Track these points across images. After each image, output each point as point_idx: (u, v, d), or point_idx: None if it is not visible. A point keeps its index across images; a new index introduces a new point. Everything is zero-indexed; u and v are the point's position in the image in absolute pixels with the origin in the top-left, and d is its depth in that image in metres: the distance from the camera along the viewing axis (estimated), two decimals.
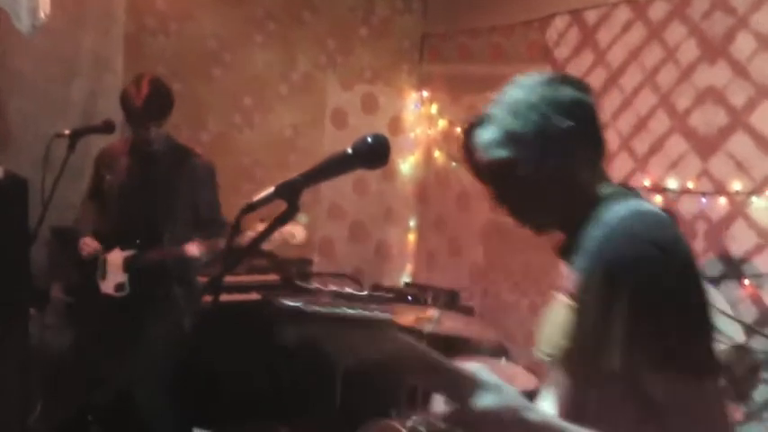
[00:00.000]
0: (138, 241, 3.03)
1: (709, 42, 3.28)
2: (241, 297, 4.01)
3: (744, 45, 3.14)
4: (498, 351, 3.67)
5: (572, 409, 1.30)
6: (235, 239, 1.29)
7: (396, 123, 5.12)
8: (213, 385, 3.72)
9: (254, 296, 4.09)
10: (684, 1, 3.38)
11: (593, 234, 1.26)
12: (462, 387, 1.16)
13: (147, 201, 3.06)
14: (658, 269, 1.16)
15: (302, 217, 2.85)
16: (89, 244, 3.07)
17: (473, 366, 1.20)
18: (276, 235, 2.94)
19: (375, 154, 1.22)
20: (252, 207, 1.21)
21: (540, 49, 4.18)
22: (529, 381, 3.15)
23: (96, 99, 3.90)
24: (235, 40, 4.48)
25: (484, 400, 1.15)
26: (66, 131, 2.82)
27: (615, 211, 1.26)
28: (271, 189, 1.21)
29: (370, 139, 1.22)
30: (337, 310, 1.12)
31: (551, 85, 1.33)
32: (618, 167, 3.59)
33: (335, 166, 1.22)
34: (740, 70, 3.12)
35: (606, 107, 3.72)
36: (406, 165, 5.15)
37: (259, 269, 4.22)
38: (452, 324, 3.24)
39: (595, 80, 3.81)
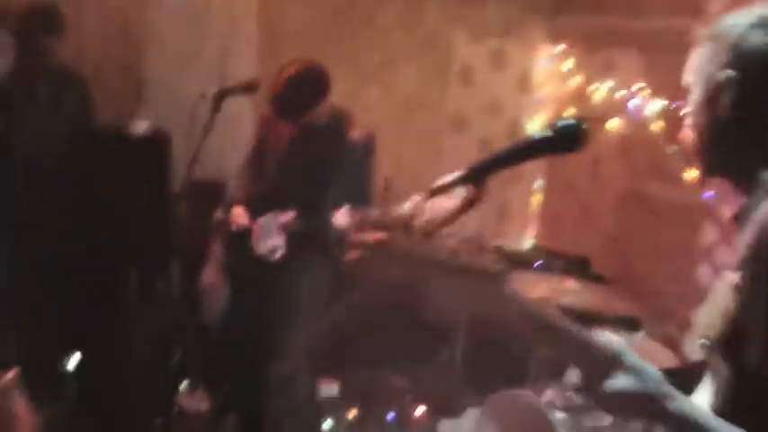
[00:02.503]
0: (293, 207, 3.06)
1: None
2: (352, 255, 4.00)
3: None
4: (634, 325, 3.51)
5: (729, 403, 1.18)
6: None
7: (525, 80, 4.93)
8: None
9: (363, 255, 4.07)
10: None
11: (765, 204, 1.13)
12: (598, 363, 1.10)
13: (305, 170, 3.09)
14: None
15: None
16: (240, 215, 3.13)
17: (614, 342, 1.12)
18: (427, 208, 2.94)
19: (574, 139, 1.14)
20: (438, 191, 1.18)
21: (689, 2, 3.87)
22: (667, 358, 3.00)
23: (229, 58, 3.94)
24: (359, 3, 4.39)
25: (622, 382, 1.08)
26: (211, 92, 2.85)
27: None
28: (457, 173, 1.17)
29: (568, 124, 1.13)
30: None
31: (754, 26, 1.21)
32: None
33: (528, 150, 1.15)
34: None
35: None
36: (535, 123, 4.97)
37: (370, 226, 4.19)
38: (588, 296, 3.11)
39: None
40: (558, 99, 4.85)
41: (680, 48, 4.45)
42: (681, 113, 1.30)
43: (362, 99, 4.50)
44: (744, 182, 1.23)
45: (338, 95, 4.47)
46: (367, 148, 3.24)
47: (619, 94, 4.27)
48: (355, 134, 3.19)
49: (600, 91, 4.42)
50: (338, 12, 4.36)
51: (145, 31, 3.84)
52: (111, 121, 3.55)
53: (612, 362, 1.10)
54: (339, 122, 3.17)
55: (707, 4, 3.77)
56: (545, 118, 4.94)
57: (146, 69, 3.82)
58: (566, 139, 1.13)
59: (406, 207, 2.92)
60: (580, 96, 4.61)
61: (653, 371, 1.12)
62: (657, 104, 3.98)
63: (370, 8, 4.45)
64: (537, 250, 4.40)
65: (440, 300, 3.63)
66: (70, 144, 3.14)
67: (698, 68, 1.26)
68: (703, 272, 3.68)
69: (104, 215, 3.16)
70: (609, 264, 4.26)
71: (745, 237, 1.15)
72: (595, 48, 4.54)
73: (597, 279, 3.66)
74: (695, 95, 1.27)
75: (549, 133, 1.14)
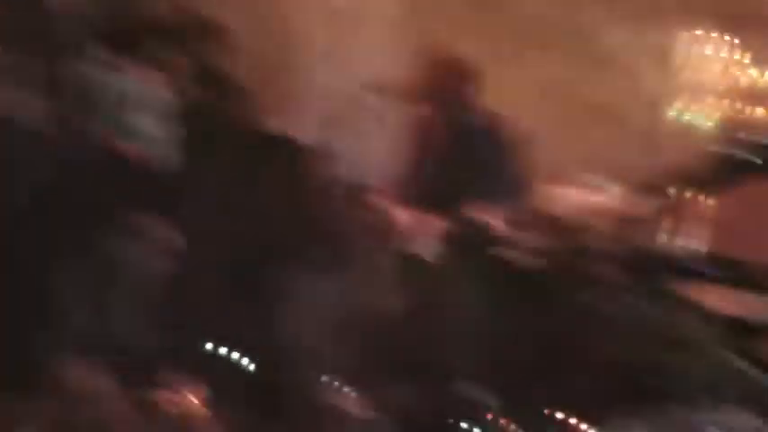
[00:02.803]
0: (452, 209, 3.04)
1: None
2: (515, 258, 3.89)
3: None
4: None
5: None
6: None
7: (680, 68, 4.64)
8: None
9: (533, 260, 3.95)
10: None
11: None
12: None
13: (460, 167, 3.08)
14: None
15: (595, 180, 2.68)
16: (396, 214, 3.12)
17: None
18: (585, 204, 2.84)
19: None
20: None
21: None
22: None
23: (376, 58, 3.93)
24: None
25: None
26: (365, 91, 2.85)
27: None
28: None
29: None
30: None
31: None
32: None
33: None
34: None
35: None
36: (692, 114, 4.66)
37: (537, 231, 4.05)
38: None
39: None
40: (715, 85, 4.54)
41: None
42: None
43: (505, 89, 4.39)
44: None
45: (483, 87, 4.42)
46: (515, 141, 3.17)
47: None
48: (504, 128, 3.14)
49: (760, 76, 4.11)
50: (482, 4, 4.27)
51: (291, 31, 3.89)
52: (261, 123, 3.61)
53: None
54: (488, 119, 3.14)
55: None
56: (702, 107, 4.63)
57: (297, 70, 3.87)
58: None
59: (556, 201, 2.83)
60: (737, 81, 4.30)
61: None
62: None
63: None
64: (711, 257, 4.07)
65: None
66: (229, 147, 3.21)
67: None
68: None
69: (262, 216, 3.21)
70: None
71: None
72: (759, 29, 4.21)
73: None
74: None
75: None
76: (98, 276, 2.55)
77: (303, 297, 3.07)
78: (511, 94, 4.35)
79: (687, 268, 3.76)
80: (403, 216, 3.13)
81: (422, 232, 3.07)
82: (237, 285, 3.04)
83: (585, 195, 2.78)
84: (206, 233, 2.95)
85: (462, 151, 3.09)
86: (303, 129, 3.50)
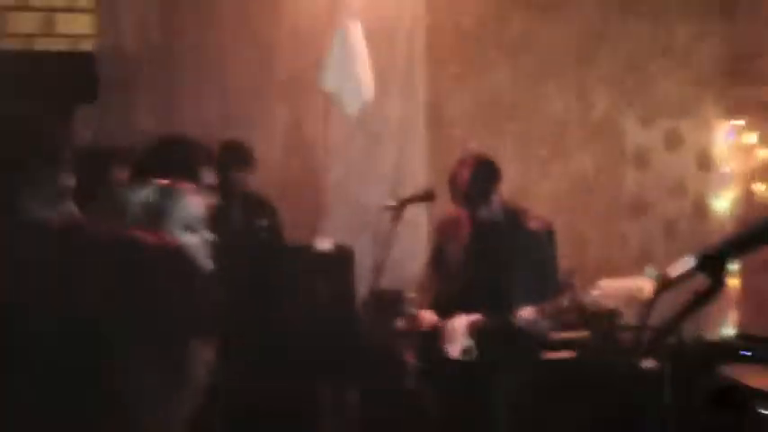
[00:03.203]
0: (480, 307, 3.04)
1: None
2: (555, 355, 3.85)
3: None
4: None
5: None
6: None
7: (704, 158, 4.67)
8: None
9: (568, 354, 3.91)
10: None
11: None
12: None
13: (487, 269, 3.08)
14: None
15: (650, 271, 2.66)
16: (427, 318, 3.15)
17: None
18: (623, 290, 2.82)
19: None
20: (669, 284, 1.08)
21: None
22: None
23: (402, 166, 4.06)
24: (527, 89, 4.43)
25: None
26: (393, 202, 2.94)
27: None
28: (689, 262, 1.06)
29: None
30: None
31: None
32: None
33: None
34: None
35: None
36: (721, 202, 4.66)
37: (568, 325, 4.03)
38: None
39: None
40: (743, 174, 4.54)
41: None
42: None
43: (533, 189, 4.46)
44: None
45: (512, 187, 4.52)
46: (547, 238, 3.17)
47: None
48: (534, 224, 3.14)
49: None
50: (507, 106, 4.40)
51: (323, 146, 4.05)
52: (297, 239, 3.72)
53: None
54: (515, 214, 3.15)
55: None
56: (732, 195, 4.63)
57: (326, 185, 4.00)
58: None
59: (595, 295, 2.80)
60: (754, 164, 4.31)
61: None
62: None
63: (537, 100, 4.45)
64: (743, 338, 4.02)
65: None
66: (262, 263, 3.31)
67: None
68: None
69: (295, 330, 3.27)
70: None
71: None
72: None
73: None
74: None
75: None
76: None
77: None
78: (548, 195, 4.43)
79: (728, 351, 3.68)
80: (435, 320, 3.14)
81: (455, 334, 3.07)
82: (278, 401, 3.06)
83: (625, 285, 2.76)
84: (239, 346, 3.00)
85: (489, 251, 3.09)
86: (335, 239, 3.60)
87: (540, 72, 4.44)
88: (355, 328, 3.49)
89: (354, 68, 3.28)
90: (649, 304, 1.15)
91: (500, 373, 3.03)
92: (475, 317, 3.04)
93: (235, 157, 3.38)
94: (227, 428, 2.75)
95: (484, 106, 4.35)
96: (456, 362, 3.05)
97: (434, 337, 3.12)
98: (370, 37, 3.74)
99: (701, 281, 1.09)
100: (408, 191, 3.35)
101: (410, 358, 3.21)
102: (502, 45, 4.38)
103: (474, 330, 3.03)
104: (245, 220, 3.42)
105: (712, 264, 1.05)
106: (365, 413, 3.32)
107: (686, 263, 1.06)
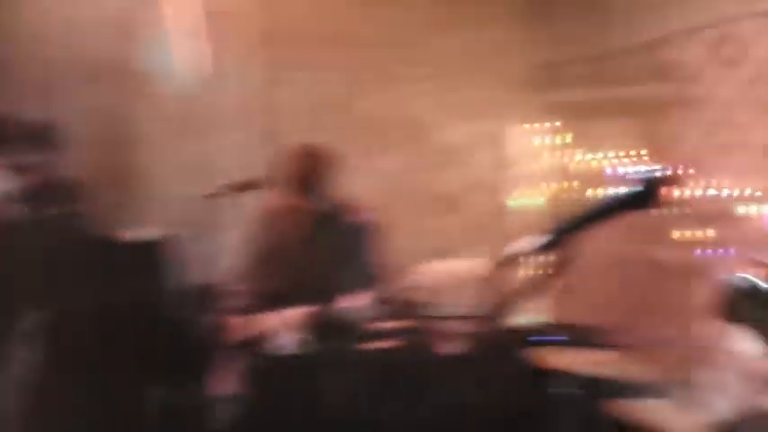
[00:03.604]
0: (308, 299, 3.00)
1: None
2: (376, 345, 3.93)
3: None
4: (651, 391, 3.43)
5: None
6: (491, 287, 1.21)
7: (511, 158, 4.99)
8: None
9: (389, 343, 4.00)
10: None
11: None
12: None
13: (314, 259, 3.05)
14: None
15: (475, 253, 2.78)
16: (254, 312, 3.08)
17: None
18: (447, 273, 2.92)
19: (656, 194, 1.12)
20: (512, 259, 1.15)
21: (674, 67, 4.00)
22: (693, 424, 2.94)
23: (229, 155, 3.96)
24: (353, 87, 4.48)
25: None
26: (221, 189, 2.85)
27: None
28: (535, 238, 1.13)
29: (644, 178, 1.12)
30: None
31: None
32: None
33: (610, 210, 1.13)
34: None
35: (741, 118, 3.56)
36: (529, 198, 5.00)
37: (388, 314, 4.14)
38: (621, 365, 3.06)
39: (728, 92, 3.63)
40: (550, 172, 4.91)
41: (668, 111, 4.59)
42: (672, 175, 1.28)
43: (357, 183, 4.51)
44: None
45: (336, 181, 4.54)
46: (372, 228, 3.22)
47: (609, 163, 4.34)
48: (361, 215, 3.18)
49: (590, 161, 4.49)
50: (323, 101, 4.43)
51: (137, 135, 3.86)
52: (111, 228, 3.51)
53: None
54: (342, 206, 3.16)
55: (690, 67, 3.91)
56: (538, 193, 4.99)
57: (148, 173, 3.81)
58: (647, 196, 1.11)
59: (414, 281, 2.89)
60: (571, 168, 4.67)
61: None
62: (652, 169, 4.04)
63: (361, 96, 4.52)
64: (550, 324, 4.33)
65: None
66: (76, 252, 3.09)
67: None
68: (708, 328, 3.64)
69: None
70: (618, 330, 4.21)
71: None
72: (591, 119, 4.64)
73: (614, 347, 3.59)
74: None
75: (636, 189, 1.12)
76: None
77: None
78: (363, 186, 4.51)
79: (539, 336, 3.96)
80: (263, 314, 3.08)
81: (284, 327, 3.03)
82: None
83: (448, 268, 2.87)
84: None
85: (319, 244, 3.08)
86: (157, 229, 3.43)
87: (359, 68, 4.52)
88: (177, 324, 3.34)
89: (182, 54, 3.16)
90: (490, 284, 1.21)
91: (331, 365, 3.03)
92: (304, 309, 3.02)
93: (45, 139, 3.12)
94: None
95: (309, 99, 4.35)
96: (286, 355, 3.01)
97: (263, 332, 3.07)
98: (200, 24, 3.62)
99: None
100: (235, 179, 3.25)
101: (238, 354, 3.12)
102: (328, 39, 4.41)
103: (304, 322, 3.01)
104: (55, 205, 3.17)
105: (556, 242, 1.12)
106: (192, 413, 3.18)
107: (531, 240, 1.13)
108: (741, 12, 3.62)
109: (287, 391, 2.99)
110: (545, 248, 1.10)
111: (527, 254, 1.13)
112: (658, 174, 1.10)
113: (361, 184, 4.47)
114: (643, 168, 3.96)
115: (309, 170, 2.93)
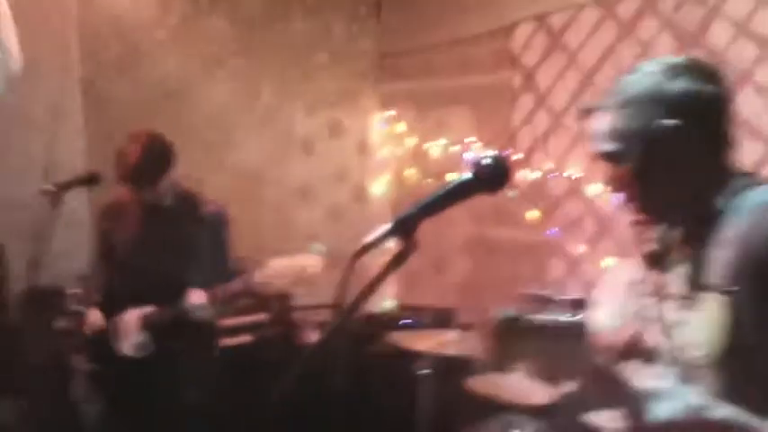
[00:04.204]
0: (153, 298, 2.85)
1: (683, 34, 3.32)
2: (232, 341, 3.85)
3: (720, 33, 3.19)
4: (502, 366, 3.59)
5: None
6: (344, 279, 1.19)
7: (363, 145, 5.05)
8: None
9: (246, 338, 3.94)
10: None
11: (738, 223, 1.21)
12: (638, 400, 1.12)
13: (158, 256, 2.89)
14: None
15: (317, 246, 2.74)
16: (95, 317, 2.90)
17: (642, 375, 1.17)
18: (291, 268, 2.86)
19: (497, 176, 1.14)
20: (366, 248, 1.13)
21: (507, 56, 4.17)
22: (545, 394, 3.09)
23: (56, 151, 3.70)
24: (194, 77, 4.34)
25: (663, 409, 1.13)
26: (51, 187, 2.64)
27: (756, 198, 1.23)
28: (386, 226, 1.13)
29: (489, 161, 1.14)
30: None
31: (666, 76, 1.29)
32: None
33: (454, 193, 1.14)
34: (718, 59, 3.16)
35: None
36: (378, 186, 5.08)
37: (243, 309, 4.06)
38: (468, 344, 3.16)
39: (570, 82, 3.83)
40: (397, 160, 4.99)
41: (503, 99, 4.79)
42: (511, 159, 1.35)
43: (204, 177, 4.38)
44: (671, 213, 1.32)
45: (180, 175, 4.38)
46: (221, 221, 3.10)
47: (453, 150, 4.47)
48: (206, 208, 3.05)
49: (435, 148, 4.60)
50: (172, 92, 4.26)
51: None
52: None
53: (646, 394, 1.15)
54: (186, 198, 3.03)
55: (522, 56, 4.09)
56: (387, 180, 5.07)
57: None
58: (487, 179, 1.14)
59: (267, 273, 2.82)
60: (418, 155, 4.77)
61: (682, 389, 1.18)
62: (489, 154, 4.19)
63: (204, 89, 4.39)
64: (402, 308, 4.43)
65: None
66: None
67: (625, 130, 1.32)
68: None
69: None
70: (468, 309, 4.37)
71: (725, 255, 1.22)
72: (427, 108, 4.75)
73: (465, 326, 3.72)
74: (630, 151, 1.32)
75: (471, 175, 1.14)
76: None
77: None
78: (217, 183, 4.37)
79: (391, 321, 4.04)
80: (100, 319, 2.91)
81: (126, 329, 2.87)
82: None
83: (293, 263, 2.82)
84: None
85: (160, 239, 2.93)
86: None
87: (205, 60, 4.40)
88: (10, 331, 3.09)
89: None
90: (346, 273, 1.19)
91: (178, 365, 2.92)
92: (146, 309, 2.87)
93: None
94: None
95: (146, 91, 4.16)
96: (130, 359, 2.86)
97: (104, 335, 2.90)
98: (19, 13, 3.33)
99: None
100: (65, 177, 3.02)
101: (77, 360, 2.93)
102: (164, 30, 4.24)
103: (146, 323, 2.85)
104: None
105: (404, 227, 1.13)
106: (32, 424, 2.95)
107: (385, 228, 1.13)
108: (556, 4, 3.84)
109: (130, 394, 2.85)
110: (394, 234, 1.10)
111: (379, 241, 1.12)
112: (502, 157, 1.12)
113: (209, 176, 4.39)
114: (488, 153, 4.09)
115: (143, 163, 2.75)
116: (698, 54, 3.22)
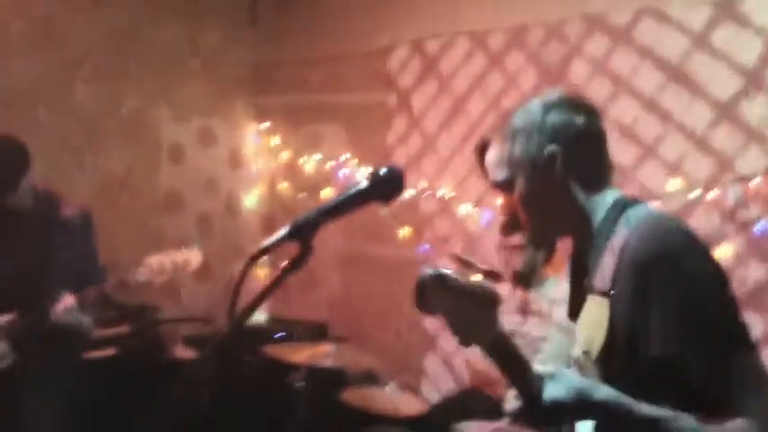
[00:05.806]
0: (13, 305, 2.69)
1: (546, 69, 3.58)
2: (96, 354, 3.69)
3: (579, 70, 3.47)
4: (375, 379, 3.68)
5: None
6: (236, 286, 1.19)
7: (236, 156, 5.00)
8: None
9: (110, 351, 3.79)
10: (521, 31, 3.67)
11: (622, 234, 1.36)
12: (534, 381, 1.26)
13: (19, 262, 2.74)
14: (699, 255, 1.31)
15: (198, 241, 2.71)
16: None
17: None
18: (168, 264, 2.79)
19: (392, 185, 1.22)
20: (263, 251, 1.17)
21: (383, 77, 4.29)
22: (416, 405, 3.20)
23: None
24: (57, 81, 4.14)
25: (553, 391, 1.24)
26: None
27: (637, 214, 1.38)
28: (283, 230, 1.17)
29: (386, 171, 1.21)
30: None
31: (546, 110, 1.46)
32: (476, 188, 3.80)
33: (351, 201, 1.20)
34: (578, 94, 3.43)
35: (455, 132, 3.94)
36: (251, 199, 5.04)
37: (106, 321, 3.90)
38: (342, 356, 3.22)
39: (442, 107, 4.00)
40: (270, 173, 4.98)
41: (378, 118, 4.91)
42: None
43: (68, 183, 4.18)
44: (579, 234, 1.47)
45: (42, 180, 4.16)
46: (84, 223, 2.98)
47: (328, 165, 4.52)
48: (69, 210, 2.93)
49: (309, 163, 4.64)
50: (32, 94, 4.04)
51: None
52: None
53: (541, 375, 1.26)
54: (46, 201, 2.90)
55: (397, 78, 4.22)
56: (259, 192, 5.04)
57: None
58: (383, 188, 1.21)
59: (144, 270, 2.75)
60: (292, 169, 4.79)
61: (566, 371, 1.29)
62: (364, 172, 4.28)
63: (68, 93, 4.19)
64: (275, 322, 4.41)
65: None
66: None
67: (513, 158, 1.46)
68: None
69: None
70: (340, 324, 4.43)
71: (608, 262, 1.37)
72: (302, 123, 4.78)
73: (338, 340, 3.78)
74: (521, 177, 1.46)
75: (366, 184, 1.20)
76: None
77: None
78: (81, 190, 4.17)
79: (263, 334, 4.02)
80: None
81: None
82: None
83: (172, 258, 2.78)
84: None
85: (17, 245, 2.78)
86: None
87: (69, 64, 4.21)
88: None
89: None
90: (241, 278, 1.21)
91: (40, 377, 2.77)
92: (4, 317, 2.72)
93: None
94: None
95: (7, 94, 3.92)
96: None
97: None
98: None
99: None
100: None
101: None
102: (24, 32, 4.03)
103: (5, 332, 2.70)
104: None
105: (301, 231, 1.16)
106: None
107: (271, 239, 1.17)
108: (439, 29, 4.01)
109: None
110: (291, 238, 1.14)
111: (276, 245, 1.16)
112: (397, 169, 1.21)
113: (71, 179, 4.18)
114: (368, 169, 4.20)
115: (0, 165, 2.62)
116: (559, 88, 3.49)
